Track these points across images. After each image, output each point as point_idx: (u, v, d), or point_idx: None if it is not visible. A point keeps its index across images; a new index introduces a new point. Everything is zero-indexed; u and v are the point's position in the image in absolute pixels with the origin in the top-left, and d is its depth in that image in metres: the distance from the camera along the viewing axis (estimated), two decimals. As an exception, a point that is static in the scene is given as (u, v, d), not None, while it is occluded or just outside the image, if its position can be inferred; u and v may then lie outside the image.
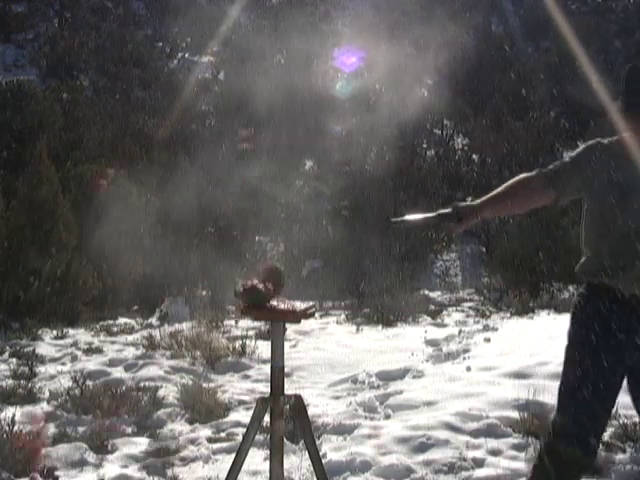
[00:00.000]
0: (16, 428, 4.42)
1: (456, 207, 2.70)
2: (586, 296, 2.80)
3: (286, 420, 2.87)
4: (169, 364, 7.14)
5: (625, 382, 2.84)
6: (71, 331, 10.53)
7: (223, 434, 4.99)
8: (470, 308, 15.45)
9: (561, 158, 3.09)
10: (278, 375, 2.53)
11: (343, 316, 11.64)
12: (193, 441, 4.81)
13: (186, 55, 54.32)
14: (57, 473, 4.25)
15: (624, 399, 5.05)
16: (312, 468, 2.62)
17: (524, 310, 12.77)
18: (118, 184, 19.63)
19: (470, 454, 4.24)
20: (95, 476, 4.25)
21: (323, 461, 2.68)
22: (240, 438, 4.48)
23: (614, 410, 4.62)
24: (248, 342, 7.84)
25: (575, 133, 47.82)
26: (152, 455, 4.56)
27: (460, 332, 8.69)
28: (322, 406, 5.52)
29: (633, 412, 4.80)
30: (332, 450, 4.43)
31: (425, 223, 2.77)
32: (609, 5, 63.35)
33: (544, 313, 12.40)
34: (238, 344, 7.71)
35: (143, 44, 51.30)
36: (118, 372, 6.88)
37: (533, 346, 7.52)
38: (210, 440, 4.82)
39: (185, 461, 4.45)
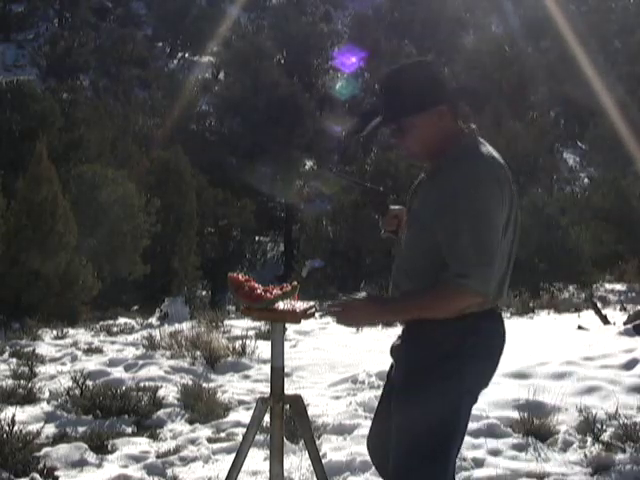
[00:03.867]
0: (16, 428, 4.42)
1: (386, 193, 2.75)
2: None
3: (286, 420, 2.87)
4: (169, 364, 7.14)
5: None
6: (71, 331, 10.53)
7: (223, 434, 4.99)
8: (470, 308, 15.44)
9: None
10: (278, 375, 2.53)
11: (343, 316, 11.60)
12: (193, 441, 4.81)
13: (186, 55, 54.40)
14: (57, 473, 4.25)
15: (625, 399, 5.06)
16: (312, 468, 2.61)
17: (524, 310, 12.75)
18: (118, 184, 19.65)
19: (470, 454, 4.24)
20: (95, 476, 4.25)
21: (323, 461, 2.68)
22: (240, 438, 4.48)
23: (613, 410, 4.64)
24: (248, 342, 7.83)
25: (575, 133, 47.89)
26: (152, 455, 4.56)
27: (460, 332, 8.67)
28: (322, 406, 5.52)
29: (633, 412, 4.82)
30: (332, 450, 4.43)
31: (357, 186, 2.85)
32: (609, 5, 63.38)
33: (544, 313, 12.40)
34: (238, 344, 7.71)
35: (143, 44, 51.40)
36: (118, 372, 6.87)
37: (533, 346, 7.53)
38: (210, 440, 4.82)
39: (185, 461, 4.45)
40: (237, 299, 2.57)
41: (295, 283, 2.54)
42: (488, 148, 2.43)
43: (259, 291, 2.51)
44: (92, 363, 7.33)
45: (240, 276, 2.54)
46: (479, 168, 2.33)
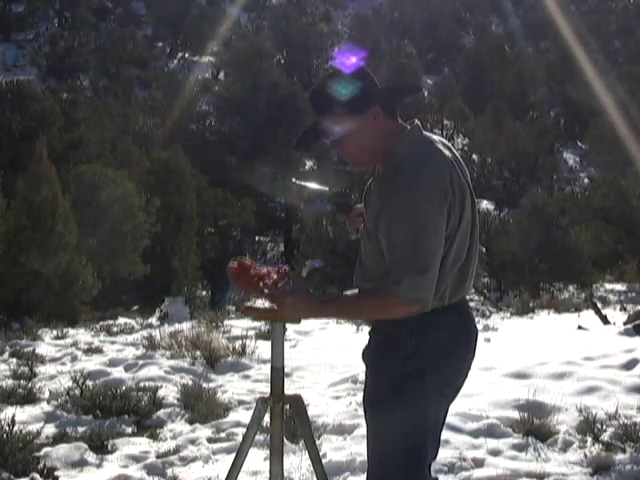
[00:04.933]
0: (16, 428, 4.42)
1: (348, 194, 2.70)
2: None
3: (286, 420, 2.87)
4: (169, 364, 7.13)
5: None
6: (71, 331, 10.52)
7: (223, 434, 4.99)
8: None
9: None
10: (278, 375, 2.53)
11: (343, 316, 11.63)
12: (193, 441, 4.81)
13: (186, 55, 54.42)
14: (57, 473, 4.24)
15: (625, 399, 5.06)
16: (312, 468, 2.61)
17: (524, 310, 12.77)
18: (118, 184, 19.64)
19: (470, 454, 4.24)
20: (95, 476, 4.25)
21: (323, 461, 2.68)
22: (240, 438, 4.48)
23: (613, 410, 4.64)
24: (248, 342, 7.83)
25: (575, 133, 47.88)
26: (152, 455, 4.56)
27: (460, 332, 8.67)
28: (322, 406, 5.52)
29: (633, 412, 4.82)
30: (332, 450, 4.43)
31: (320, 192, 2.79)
32: (609, 5, 63.41)
33: (544, 313, 12.41)
34: (238, 344, 7.71)
35: (143, 44, 51.41)
36: (118, 372, 6.87)
37: (533, 346, 7.53)
38: (210, 440, 4.82)
39: (185, 461, 4.44)
40: (237, 289, 2.54)
41: (286, 268, 2.48)
42: (434, 144, 2.38)
43: (258, 281, 2.48)
44: (92, 363, 7.33)
45: (245, 261, 2.49)
46: (421, 173, 2.26)
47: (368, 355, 2.50)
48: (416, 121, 2.43)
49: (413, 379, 2.32)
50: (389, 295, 2.26)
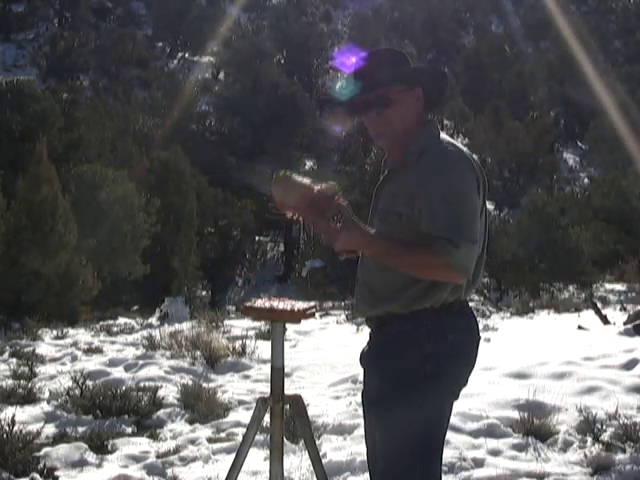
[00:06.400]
0: (16, 428, 4.42)
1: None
2: None
3: (286, 420, 2.87)
4: (169, 364, 7.13)
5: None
6: (71, 331, 10.53)
7: (223, 434, 4.99)
8: (470, 308, 15.44)
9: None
10: (278, 375, 2.53)
11: (343, 316, 11.65)
12: (193, 441, 4.81)
13: (186, 55, 54.42)
14: (57, 473, 4.24)
15: (625, 399, 5.06)
16: (312, 468, 2.61)
17: (524, 310, 12.76)
18: (118, 184, 19.64)
19: (470, 454, 4.24)
20: (95, 476, 4.25)
21: (323, 461, 2.68)
22: (240, 438, 4.48)
23: (613, 410, 4.64)
24: (248, 342, 7.84)
25: (575, 133, 47.86)
26: (152, 455, 4.56)
27: (460, 332, 8.67)
28: (322, 406, 5.52)
29: (633, 412, 4.82)
30: (332, 450, 4.43)
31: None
32: (609, 5, 63.41)
33: (544, 313, 12.41)
34: (238, 344, 7.71)
35: (143, 44, 51.43)
36: (118, 372, 6.87)
37: (533, 346, 7.53)
38: (210, 440, 4.82)
39: (185, 461, 4.44)
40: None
41: (341, 201, 2.31)
42: (452, 140, 2.41)
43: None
44: (92, 363, 7.33)
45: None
46: (451, 154, 2.30)
47: (373, 356, 2.46)
48: (435, 117, 2.50)
49: (431, 380, 2.31)
50: (441, 255, 2.18)
